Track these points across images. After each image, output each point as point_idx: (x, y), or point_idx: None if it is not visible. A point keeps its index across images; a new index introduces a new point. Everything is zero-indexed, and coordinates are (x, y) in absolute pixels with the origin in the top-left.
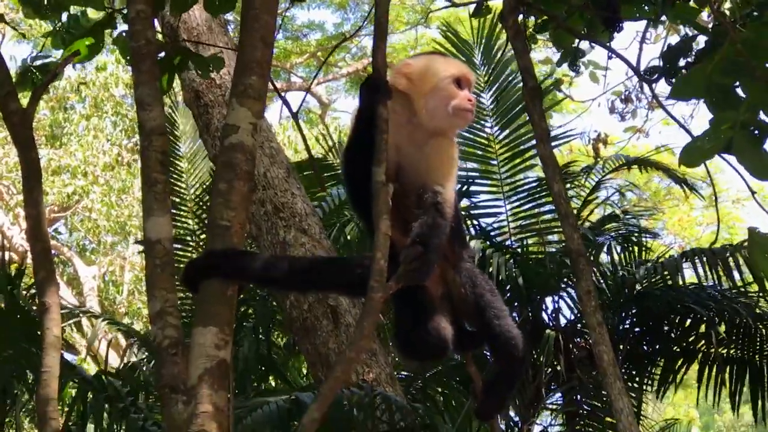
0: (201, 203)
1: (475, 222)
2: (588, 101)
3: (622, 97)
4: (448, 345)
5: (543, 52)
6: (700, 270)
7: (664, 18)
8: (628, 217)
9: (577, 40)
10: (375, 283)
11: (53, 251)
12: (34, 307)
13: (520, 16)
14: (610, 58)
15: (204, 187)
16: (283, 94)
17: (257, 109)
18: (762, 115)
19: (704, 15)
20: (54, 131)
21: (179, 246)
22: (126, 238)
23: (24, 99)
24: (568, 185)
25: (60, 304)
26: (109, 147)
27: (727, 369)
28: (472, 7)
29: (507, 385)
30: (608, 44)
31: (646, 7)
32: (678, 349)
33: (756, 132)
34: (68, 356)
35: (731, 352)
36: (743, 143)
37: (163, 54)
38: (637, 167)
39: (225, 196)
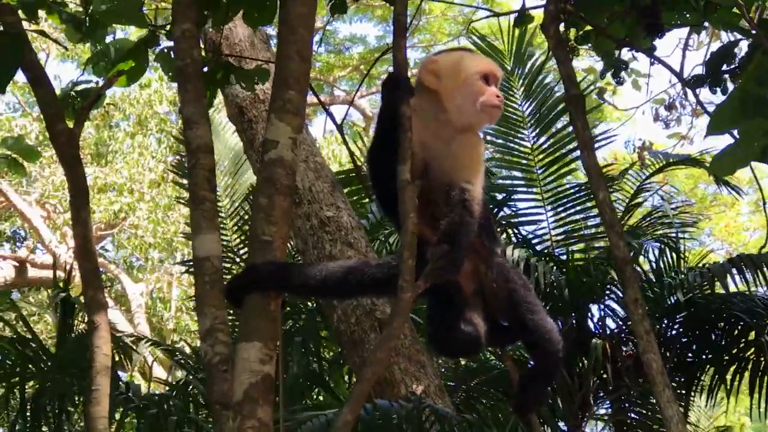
0: (241, 219)
1: (517, 230)
2: (632, 109)
3: (666, 104)
4: (481, 341)
5: (586, 60)
6: (748, 276)
7: (706, 24)
8: (674, 222)
9: (618, 49)
10: (404, 282)
11: (101, 269)
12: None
13: (561, 25)
14: (652, 64)
15: (240, 203)
16: (326, 107)
17: (296, 124)
18: None
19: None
20: (99, 149)
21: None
22: (173, 255)
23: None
24: (611, 189)
25: (109, 323)
26: (155, 164)
27: None
28: (512, 17)
29: (544, 380)
30: (650, 51)
31: (688, 14)
32: (727, 357)
33: None
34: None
35: None
36: None
37: (205, 69)
38: (681, 173)
39: (266, 211)
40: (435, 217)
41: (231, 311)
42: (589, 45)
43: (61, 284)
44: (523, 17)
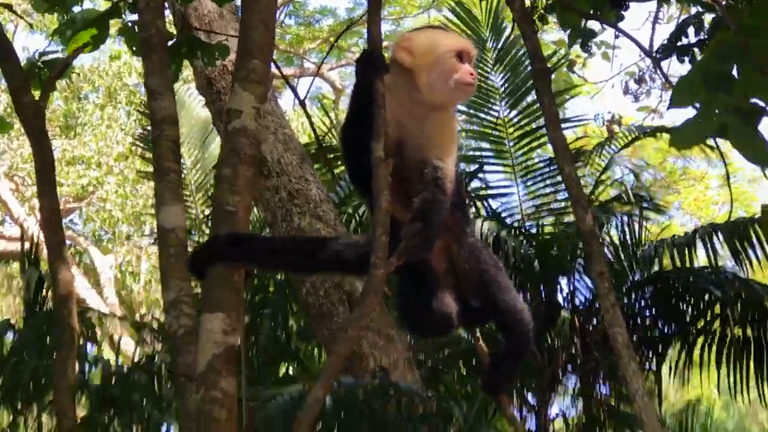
0: (209, 191)
1: (487, 203)
2: (601, 82)
3: (636, 77)
4: (453, 320)
5: (556, 33)
6: (717, 246)
7: None
8: (643, 194)
9: (584, 20)
10: (377, 259)
11: (69, 242)
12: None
13: None
14: (617, 37)
15: (208, 175)
16: (296, 79)
17: (260, 93)
18: (756, 100)
19: None
20: (68, 122)
21: None
22: (141, 228)
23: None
24: (581, 164)
25: (75, 294)
26: (123, 136)
27: (744, 350)
28: None
29: (514, 360)
30: (616, 24)
31: None
32: (694, 330)
33: (748, 115)
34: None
35: (748, 332)
36: (736, 127)
37: (171, 42)
38: (650, 146)
39: (230, 181)
40: (408, 195)
41: (197, 283)
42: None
43: (27, 260)
44: None
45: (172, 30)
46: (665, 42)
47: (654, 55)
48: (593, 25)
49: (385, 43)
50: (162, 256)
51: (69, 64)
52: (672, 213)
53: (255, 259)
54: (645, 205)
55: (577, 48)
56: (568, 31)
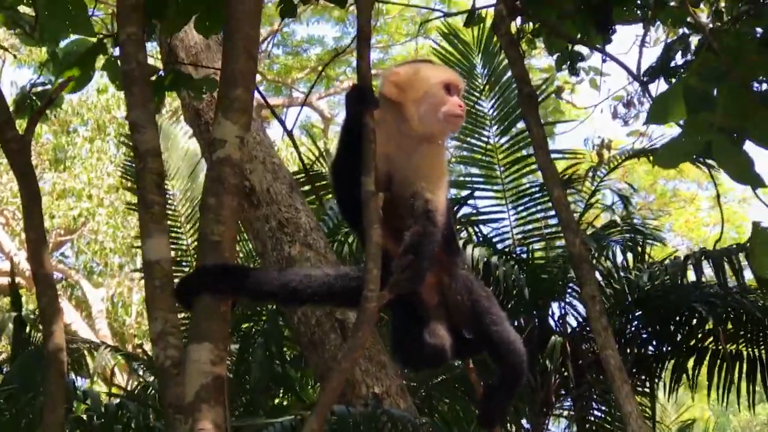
0: (198, 222)
1: (478, 229)
2: (590, 107)
3: (624, 101)
4: (446, 352)
5: (545, 59)
6: (707, 271)
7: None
8: (634, 219)
9: (571, 45)
10: (369, 292)
11: (61, 275)
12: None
13: (514, 24)
14: (604, 61)
15: (196, 206)
16: (285, 109)
17: (244, 122)
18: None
19: (703, 16)
20: (57, 155)
21: (174, 267)
22: (133, 259)
23: (23, 126)
24: (572, 189)
25: (63, 330)
26: (113, 168)
27: (737, 366)
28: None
29: (508, 391)
30: (603, 48)
31: (638, 11)
32: (686, 348)
33: (733, 135)
34: (79, 381)
35: (740, 348)
36: (721, 146)
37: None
38: (641, 169)
39: (215, 211)
40: (399, 228)
41: (184, 314)
42: (542, 43)
43: (22, 291)
44: (473, 17)
45: (160, 62)
46: (653, 65)
47: (642, 78)
48: (581, 49)
49: (373, 71)
50: (147, 289)
51: (53, 100)
52: (663, 234)
53: (242, 290)
54: (640, 230)
55: (565, 73)
56: (556, 56)
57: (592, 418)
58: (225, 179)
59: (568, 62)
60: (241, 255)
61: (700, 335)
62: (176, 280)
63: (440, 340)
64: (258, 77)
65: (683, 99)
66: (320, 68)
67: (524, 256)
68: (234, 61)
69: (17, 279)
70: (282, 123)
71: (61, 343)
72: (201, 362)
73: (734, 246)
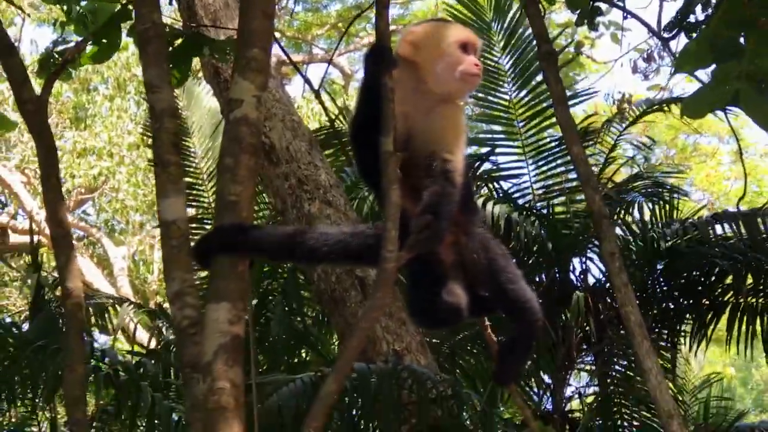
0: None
1: (498, 185)
2: (611, 62)
3: (644, 56)
4: (462, 311)
5: (564, 14)
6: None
7: None
8: (656, 174)
9: (591, 1)
10: (387, 252)
11: (83, 233)
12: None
13: None
14: (625, 18)
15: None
16: (305, 66)
17: (260, 82)
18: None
19: None
20: (78, 113)
21: (196, 225)
22: (154, 217)
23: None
24: (591, 143)
25: (82, 288)
26: (133, 126)
27: (758, 320)
28: None
29: (523, 349)
30: (624, 3)
31: None
32: (707, 303)
33: (762, 82)
34: (102, 338)
35: (759, 302)
36: (749, 95)
37: (178, 41)
38: (661, 123)
39: (232, 171)
40: (417, 188)
41: (201, 274)
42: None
43: (43, 249)
44: None
45: (178, 23)
46: (673, 19)
47: (661, 33)
48: (601, 4)
49: (392, 27)
50: (164, 248)
51: (68, 61)
52: (685, 188)
53: (259, 249)
54: (662, 183)
55: (584, 28)
56: (573, 12)
57: (614, 373)
58: (242, 139)
59: (587, 19)
60: (261, 215)
61: (720, 290)
62: (198, 238)
63: (456, 298)
64: (278, 34)
65: (710, 47)
66: (340, 24)
67: (545, 211)
68: (250, 20)
69: (38, 238)
70: (309, 83)
71: (79, 302)
72: (219, 321)
73: (759, 209)
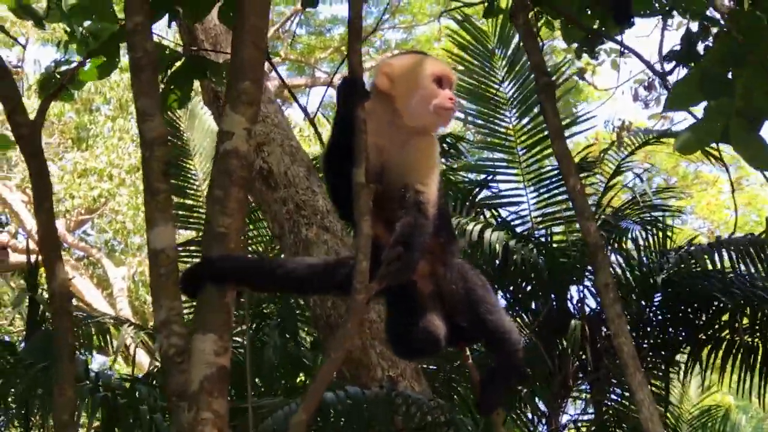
0: None
1: (497, 212)
2: (611, 89)
3: (645, 84)
4: (440, 341)
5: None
6: (727, 261)
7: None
8: (654, 201)
9: (590, 37)
10: (358, 284)
11: (82, 253)
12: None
13: (531, 13)
14: (622, 54)
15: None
16: (307, 89)
17: (251, 114)
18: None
19: (726, 1)
20: (80, 134)
21: (195, 249)
22: None
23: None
24: (590, 173)
25: (72, 311)
26: (135, 148)
27: (751, 357)
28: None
29: (504, 379)
30: (621, 39)
31: (656, 4)
32: (704, 337)
33: (752, 119)
34: (100, 359)
35: (756, 341)
36: (738, 132)
37: (178, 63)
38: (663, 151)
39: (221, 203)
40: (391, 220)
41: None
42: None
43: (27, 280)
44: (492, 8)
45: (177, 45)
46: (672, 51)
47: (662, 63)
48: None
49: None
50: (152, 277)
51: (63, 87)
52: (685, 217)
53: (246, 281)
54: (658, 207)
55: (586, 55)
56: (569, 45)
57: (609, 402)
58: (232, 171)
59: (589, 47)
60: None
61: (717, 326)
62: (185, 269)
63: (434, 328)
64: (280, 57)
65: (699, 85)
66: (343, 48)
67: (543, 239)
68: (242, 52)
69: (36, 257)
70: (304, 111)
71: (69, 324)
72: (206, 353)
73: (752, 236)
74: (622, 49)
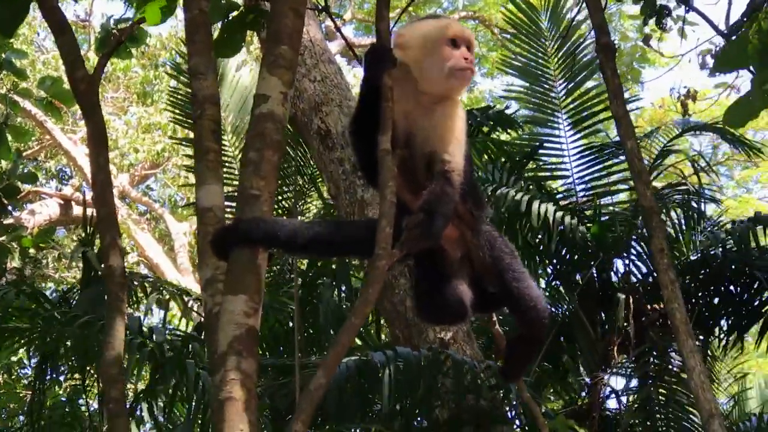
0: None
1: (543, 184)
2: (677, 56)
3: (712, 53)
4: (467, 308)
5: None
6: None
7: None
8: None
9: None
10: (380, 250)
11: (145, 207)
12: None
13: None
14: (687, 11)
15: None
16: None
17: (287, 79)
18: None
19: None
20: (145, 89)
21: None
22: None
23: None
24: (647, 139)
25: (124, 267)
26: None
27: None
28: None
29: (530, 347)
30: (688, 2)
31: None
32: (744, 312)
33: None
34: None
35: None
36: None
37: (235, 12)
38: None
39: (255, 165)
40: (418, 187)
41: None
42: None
43: (83, 234)
44: None
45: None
46: (738, 20)
47: (728, 29)
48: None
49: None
50: (200, 235)
51: (121, 41)
52: (750, 186)
53: (277, 243)
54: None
55: (653, 21)
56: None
57: (653, 374)
58: (267, 134)
59: (656, 17)
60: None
61: (757, 302)
62: (216, 230)
63: (462, 294)
64: (348, 15)
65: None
66: (411, 9)
67: (588, 212)
68: (281, 18)
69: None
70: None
71: (122, 280)
72: (235, 313)
73: None
74: (687, 9)
